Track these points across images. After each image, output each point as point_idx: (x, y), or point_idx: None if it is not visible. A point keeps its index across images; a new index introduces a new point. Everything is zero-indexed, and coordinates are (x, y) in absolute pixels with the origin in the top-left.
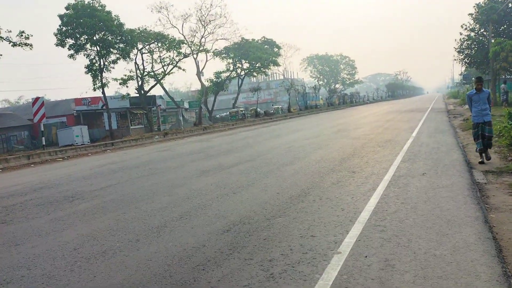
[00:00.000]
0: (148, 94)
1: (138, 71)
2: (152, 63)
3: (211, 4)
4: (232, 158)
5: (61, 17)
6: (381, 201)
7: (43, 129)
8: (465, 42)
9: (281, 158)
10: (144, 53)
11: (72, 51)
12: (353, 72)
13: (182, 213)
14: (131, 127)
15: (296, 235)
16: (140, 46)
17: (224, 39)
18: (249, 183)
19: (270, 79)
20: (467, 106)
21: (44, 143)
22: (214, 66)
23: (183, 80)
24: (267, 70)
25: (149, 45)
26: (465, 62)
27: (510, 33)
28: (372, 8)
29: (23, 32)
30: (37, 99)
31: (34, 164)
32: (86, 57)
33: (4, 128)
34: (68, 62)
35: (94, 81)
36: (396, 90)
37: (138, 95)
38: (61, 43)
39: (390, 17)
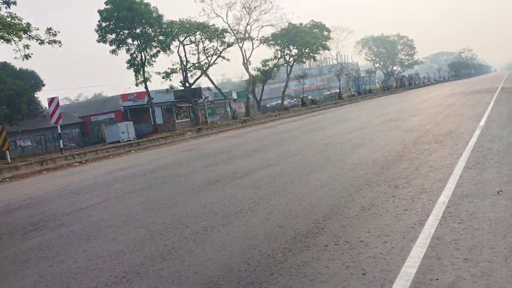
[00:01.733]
0: (194, 86)
1: (182, 64)
2: (198, 54)
3: None
4: (254, 161)
5: (100, 12)
6: (430, 253)
7: (60, 131)
8: None
9: (312, 160)
10: (187, 44)
11: (113, 47)
12: (412, 52)
13: (125, 271)
14: (177, 121)
15: None
16: (182, 37)
17: (270, 25)
18: (251, 205)
19: (323, 64)
20: None
21: (62, 146)
22: (262, 55)
23: (234, 70)
24: (316, 55)
25: (193, 35)
26: None
27: None
28: None
29: (50, 29)
30: (52, 99)
31: (47, 171)
32: (127, 52)
33: (55, 126)
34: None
35: (136, 76)
36: (460, 69)
37: (183, 88)
38: (102, 39)
39: None
